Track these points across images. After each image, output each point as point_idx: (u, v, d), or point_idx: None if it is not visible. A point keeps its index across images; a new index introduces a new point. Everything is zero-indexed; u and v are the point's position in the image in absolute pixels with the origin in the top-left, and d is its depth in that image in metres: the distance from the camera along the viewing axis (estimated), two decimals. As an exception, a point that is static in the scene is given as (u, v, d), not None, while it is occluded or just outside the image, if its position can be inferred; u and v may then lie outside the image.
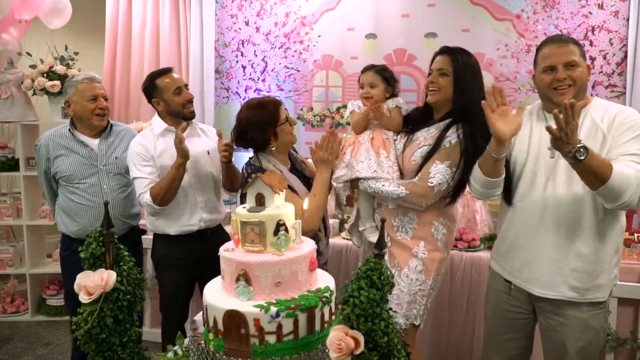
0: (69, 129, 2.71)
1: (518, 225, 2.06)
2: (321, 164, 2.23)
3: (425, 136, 2.21)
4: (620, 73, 3.61)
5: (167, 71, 2.64)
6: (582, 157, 1.67)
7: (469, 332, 3.06)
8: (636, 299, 2.75)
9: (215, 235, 2.74)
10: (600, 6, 3.62)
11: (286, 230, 1.48)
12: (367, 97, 2.33)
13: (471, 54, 2.22)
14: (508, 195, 2.09)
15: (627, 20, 3.54)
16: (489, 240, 3.13)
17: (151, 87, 2.60)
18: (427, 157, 2.15)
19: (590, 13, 3.64)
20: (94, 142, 2.72)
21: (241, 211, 1.51)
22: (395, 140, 2.33)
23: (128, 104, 4.57)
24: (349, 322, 1.27)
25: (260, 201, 1.52)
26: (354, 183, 2.26)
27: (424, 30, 3.98)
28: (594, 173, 1.72)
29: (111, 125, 2.79)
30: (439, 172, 2.11)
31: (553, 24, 3.74)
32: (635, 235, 3.00)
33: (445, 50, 2.22)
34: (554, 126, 1.66)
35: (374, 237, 2.27)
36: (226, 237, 2.85)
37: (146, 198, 2.51)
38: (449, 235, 2.28)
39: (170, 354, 1.66)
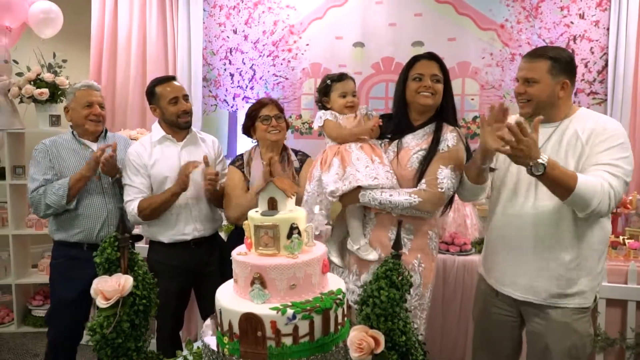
0: (72, 132, 2.73)
1: (501, 231, 2.12)
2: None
3: (417, 141, 2.18)
4: (601, 81, 3.73)
5: (168, 79, 2.67)
6: (538, 173, 1.75)
7: (462, 335, 3.10)
8: (623, 299, 2.84)
9: (210, 244, 2.75)
10: (582, 16, 3.74)
11: (299, 233, 1.50)
12: (351, 106, 2.26)
13: None
14: (493, 202, 2.18)
15: (607, 29, 3.67)
16: (480, 244, 3.19)
17: (151, 93, 2.64)
18: (425, 162, 2.12)
19: (571, 23, 3.76)
20: (94, 146, 2.72)
21: (254, 215, 1.52)
22: (383, 149, 2.24)
23: (114, 113, 4.52)
24: (368, 322, 1.29)
25: (273, 205, 1.54)
26: (347, 197, 2.13)
27: (411, 39, 4.05)
28: (557, 185, 1.80)
29: (106, 130, 2.81)
30: (446, 177, 2.08)
31: (536, 34, 3.85)
32: (621, 237, 3.10)
33: (431, 56, 2.23)
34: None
35: (372, 255, 2.15)
36: (223, 246, 2.86)
37: (132, 207, 2.55)
38: (438, 243, 2.31)
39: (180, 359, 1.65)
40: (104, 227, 2.67)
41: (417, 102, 2.19)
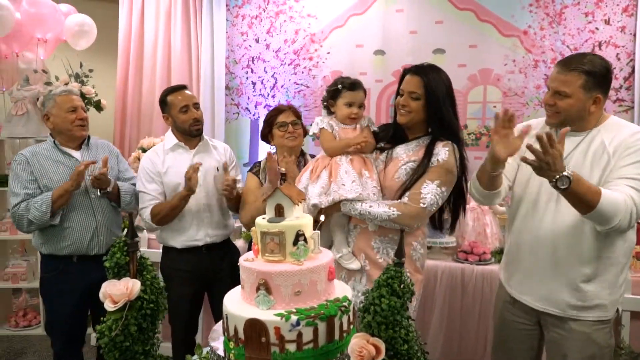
0: (54, 142, 2.65)
1: (520, 244, 2.10)
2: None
3: (407, 153, 2.14)
4: (628, 87, 3.64)
5: (179, 88, 2.71)
6: (563, 187, 1.70)
7: (481, 345, 3.06)
8: (649, 312, 2.76)
9: (222, 250, 2.78)
10: (607, 22, 3.66)
11: (305, 240, 1.51)
12: (354, 118, 2.20)
13: (441, 70, 2.15)
14: (512, 214, 2.15)
15: (634, 35, 3.58)
16: (500, 254, 3.14)
17: (163, 102, 2.69)
18: (414, 175, 2.07)
19: (596, 29, 3.69)
20: (76, 154, 2.66)
21: (261, 221, 1.54)
22: (373, 158, 2.22)
23: (139, 121, 4.63)
24: (369, 330, 1.29)
25: (280, 212, 1.55)
26: (329, 207, 2.11)
27: (432, 46, 4.03)
28: (580, 200, 1.75)
29: (89, 136, 2.74)
30: (430, 192, 2.03)
31: (560, 40, 3.78)
32: (646, 248, 3.00)
33: (415, 71, 2.14)
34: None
35: (354, 264, 2.15)
36: (235, 252, 2.89)
37: (146, 214, 2.61)
38: (424, 254, 2.26)
39: (189, 364, 1.67)
40: (94, 238, 2.61)
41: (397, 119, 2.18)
